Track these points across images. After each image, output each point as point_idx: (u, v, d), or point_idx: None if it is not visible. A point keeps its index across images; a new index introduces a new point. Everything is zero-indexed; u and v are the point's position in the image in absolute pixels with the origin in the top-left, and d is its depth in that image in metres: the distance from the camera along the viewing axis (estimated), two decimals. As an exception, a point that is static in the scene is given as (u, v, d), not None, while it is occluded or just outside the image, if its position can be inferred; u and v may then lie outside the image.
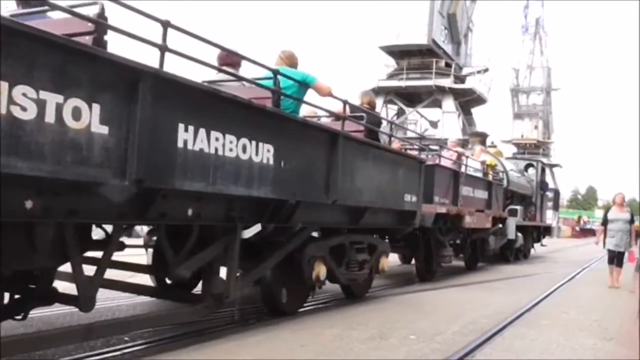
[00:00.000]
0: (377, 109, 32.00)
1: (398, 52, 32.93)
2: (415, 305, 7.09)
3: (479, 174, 12.00)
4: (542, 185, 19.43)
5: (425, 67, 32.27)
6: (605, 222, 10.64)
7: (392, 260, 11.90)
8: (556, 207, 48.40)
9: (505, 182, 14.92)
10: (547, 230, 21.70)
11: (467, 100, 33.93)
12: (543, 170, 19.94)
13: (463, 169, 10.56)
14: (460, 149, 11.47)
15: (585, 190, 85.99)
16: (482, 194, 11.79)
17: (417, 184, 7.52)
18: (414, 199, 7.42)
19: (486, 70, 34.80)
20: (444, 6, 32.37)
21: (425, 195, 8.45)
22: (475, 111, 36.21)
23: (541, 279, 11.38)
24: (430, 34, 31.15)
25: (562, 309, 7.21)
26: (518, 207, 15.67)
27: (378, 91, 33.73)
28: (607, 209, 11.34)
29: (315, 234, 6.36)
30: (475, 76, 34.39)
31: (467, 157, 11.39)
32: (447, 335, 5.18)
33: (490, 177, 12.77)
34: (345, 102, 5.74)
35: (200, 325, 5.15)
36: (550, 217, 48.56)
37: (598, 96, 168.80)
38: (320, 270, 5.77)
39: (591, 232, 57.58)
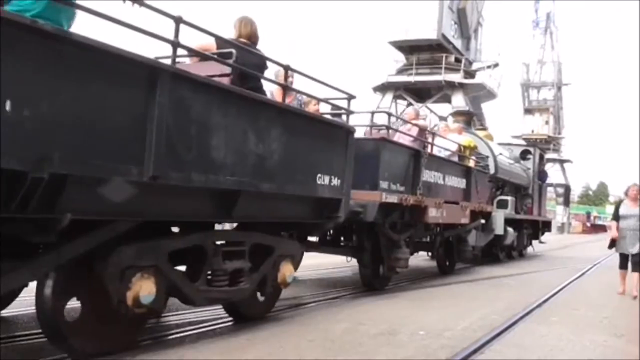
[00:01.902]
0: (386, 105, 29.89)
1: (407, 47, 30.60)
2: (423, 301, 6.63)
3: (454, 157, 9.08)
4: (541, 175, 16.01)
5: (435, 62, 29.90)
6: (616, 217, 7.99)
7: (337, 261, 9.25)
8: (567, 202, 45.64)
9: (492, 169, 11.86)
10: (546, 226, 17.78)
11: (477, 96, 31.40)
12: (542, 158, 16.56)
13: (431, 148, 7.84)
14: (421, 122, 8.23)
15: (596, 185, 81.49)
16: (457, 182, 8.78)
17: (342, 162, 5.05)
18: (337, 182, 4.95)
19: (496, 65, 32.28)
20: (454, 1, 30.02)
21: (367, 179, 6.10)
22: (485, 106, 33.63)
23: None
24: (440, 29, 28.98)
25: (572, 306, 6.70)
26: (509, 198, 12.61)
27: (388, 86, 31.52)
28: (618, 203, 8.50)
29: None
30: (485, 71, 31.88)
31: (433, 133, 8.52)
32: (457, 331, 4.83)
33: (471, 163, 9.75)
34: (178, 21, 3.18)
35: (218, 320, 4.86)
36: (560, 213, 45.90)
37: (609, 91, 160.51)
38: (142, 288, 3.30)
39: (602, 228, 54.55)
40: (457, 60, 30.45)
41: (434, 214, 7.48)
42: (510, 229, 12.12)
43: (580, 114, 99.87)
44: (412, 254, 8.39)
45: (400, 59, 32.01)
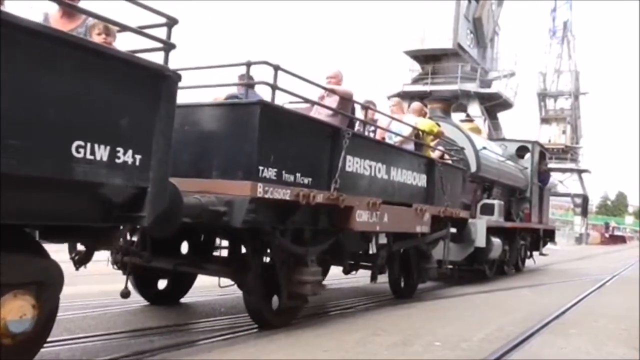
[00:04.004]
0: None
1: (423, 57, 30.36)
2: (439, 312, 6.47)
3: (409, 145, 6.76)
4: (541, 176, 13.45)
5: (451, 71, 29.59)
6: None
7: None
8: (585, 213, 44.88)
9: (473, 166, 9.78)
10: (549, 235, 15.03)
11: (493, 105, 30.91)
12: (542, 156, 13.89)
13: (363, 127, 5.95)
14: (343, 89, 5.66)
15: (614, 196, 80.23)
16: (411, 178, 6.45)
17: (146, 126, 3.13)
18: (132, 158, 3.03)
19: (512, 74, 31.85)
20: (470, 10, 29.69)
21: (239, 163, 4.19)
22: (502, 116, 33.05)
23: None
24: (456, 38, 28.72)
25: (592, 318, 6.46)
26: (496, 202, 10.44)
27: (403, 96, 31.52)
28: None
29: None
30: (501, 80, 31.43)
31: (366, 107, 5.99)
32: (473, 342, 4.69)
33: (435, 154, 7.44)
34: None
35: (228, 330, 4.91)
36: (578, 223, 45.10)
37: (629, 100, 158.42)
38: None
39: (621, 239, 53.71)
40: (473, 70, 30.29)
41: (364, 218, 5.32)
42: (497, 240, 9.89)
43: (599, 123, 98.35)
44: (347, 272, 6.55)
45: (415, 68, 31.79)
